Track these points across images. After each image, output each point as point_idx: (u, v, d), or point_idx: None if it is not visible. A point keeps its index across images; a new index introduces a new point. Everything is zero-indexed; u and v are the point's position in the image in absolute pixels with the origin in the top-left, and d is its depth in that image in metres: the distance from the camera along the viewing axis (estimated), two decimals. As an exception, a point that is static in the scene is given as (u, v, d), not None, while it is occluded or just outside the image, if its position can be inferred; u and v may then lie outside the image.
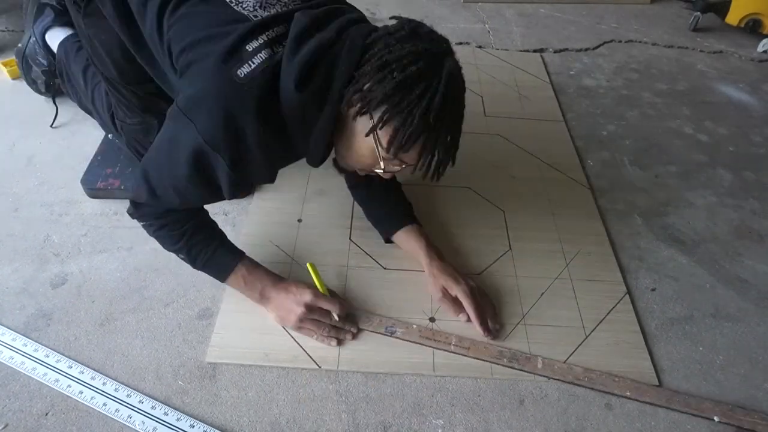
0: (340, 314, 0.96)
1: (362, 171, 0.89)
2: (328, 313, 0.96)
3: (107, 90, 1.12)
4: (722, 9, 1.98)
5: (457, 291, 0.99)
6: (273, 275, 0.98)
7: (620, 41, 1.95)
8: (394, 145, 0.75)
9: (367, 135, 0.76)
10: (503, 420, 0.88)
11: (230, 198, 0.84)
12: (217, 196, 0.85)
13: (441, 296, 1.01)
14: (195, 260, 0.93)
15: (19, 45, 1.37)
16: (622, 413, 0.91)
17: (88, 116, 1.32)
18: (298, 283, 0.97)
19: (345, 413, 0.87)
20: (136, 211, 0.89)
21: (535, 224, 1.21)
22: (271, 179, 0.88)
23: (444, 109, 0.73)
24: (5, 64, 1.47)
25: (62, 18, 1.27)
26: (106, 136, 1.29)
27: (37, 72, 1.33)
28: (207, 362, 0.92)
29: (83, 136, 1.33)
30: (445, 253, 1.10)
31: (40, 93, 1.37)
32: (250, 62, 0.74)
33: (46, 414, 0.84)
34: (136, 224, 1.12)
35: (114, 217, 1.15)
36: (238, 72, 0.74)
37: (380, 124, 0.74)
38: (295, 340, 0.95)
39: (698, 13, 2.00)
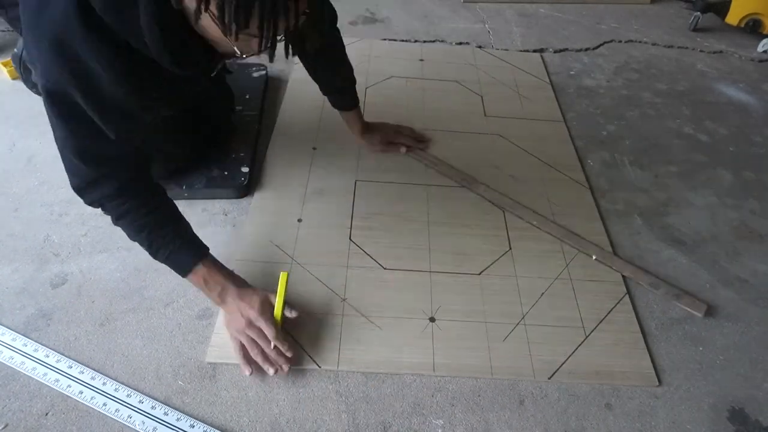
0: (273, 340, 0.89)
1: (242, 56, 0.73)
2: (263, 338, 0.90)
3: None
4: (722, 9, 1.97)
5: (391, 138, 1.32)
6: (236, 278, 0.95)
7: (620, 41, 1.95)
8: (228, 25, 0.61)
9: (195, 22, 0.65)
10: (503, 420, 0.88)
11: (120, 134, 0.76)
12: (110, 139, 0.77)
13: (380, 149, 1.32)
14: (156, 253, 0.90)
15: (15, 50, 1.36)
16: (622, 413, 0.91)
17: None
18: (255, 293, 0.93)
19: (345, 413, 0.87)
20: (82, 197, 0.86)
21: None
22: (142, 103, 0.77)
23: None
24: (5, 64, 1.47)
25: None
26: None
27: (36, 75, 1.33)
28: (207, 362, 0.92)
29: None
30: (445, 252, 1.12)
31: (39, 94, 1.37)
32: None
33: (46, 414, 0.84)
34: (136, 224, 1.13)
35: (114, 217, 1.15)
36: None
37: (202, 5, 0.61)
38: (295, 340, 0.95)
39: (698, 13, 1.99)
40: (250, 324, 0.90)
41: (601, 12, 2.14)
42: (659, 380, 0.95)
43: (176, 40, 0.69)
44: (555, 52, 1.85)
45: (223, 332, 0.96)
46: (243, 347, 0.90)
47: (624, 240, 1.20)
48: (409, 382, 0.92)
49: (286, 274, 0.94)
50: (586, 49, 1.89)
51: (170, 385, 0.89)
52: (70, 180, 0.85)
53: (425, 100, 1.55)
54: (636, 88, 1.70)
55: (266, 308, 0.92)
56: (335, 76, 1.20)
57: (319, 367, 0.93)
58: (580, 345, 0.99)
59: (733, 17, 1.95)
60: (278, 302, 0.92)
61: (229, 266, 1.06)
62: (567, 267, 1.12)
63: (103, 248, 1.09)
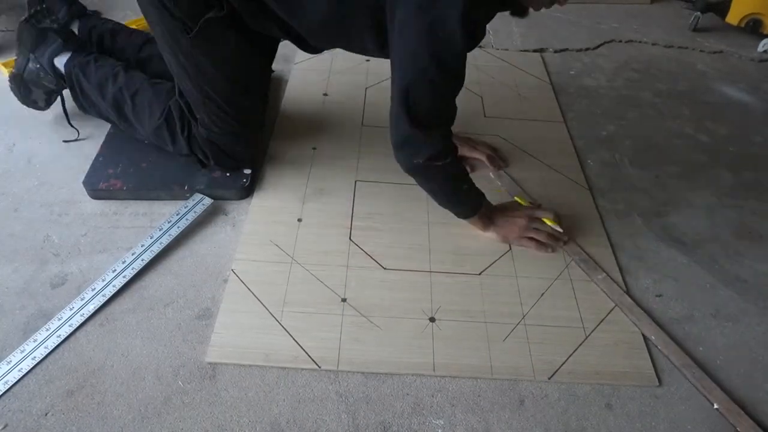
0: (556, 219, 1.14)
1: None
2: (542, 223, 1.14)
3: (200, 104, 1.13)
4: (722, 9, 1.97)
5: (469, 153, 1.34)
6: (488, 202, 1.15)
7: (620, 41, 1.95)
8: None
9: None
10: (503, 420, 0.88)
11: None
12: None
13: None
14: (459, 193, 1.09)
15: (14, 71, 1.29)
16: (622, 413, 0.91)
17: (88, 117, 1.31)
18: (506, 203, 1.17)
19: (345, 413, 0.87)
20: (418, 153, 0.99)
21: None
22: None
23: None
24: (5, 65, 1.47)
25: (71, 43, 1.27)
26: (107, 136, 1.29)
27: (38, 93, 1.30)
28: (207, 362, 0.92)
29: (83, 136, 1.33)
30: (445, 252, 1.12)
31: (40, 109, 1.33)
32: None
33: (46, 414, 0.84)
34: (136, 224, 1.13)
35: (114, 217, 1.15)
36: None
37: None
38: (295, 340, 0.95)
39: (698, 13, 1.99)
40: (532, 219, 1.14)
41: (601, 12, 2.14)
42: (659, 380, 0.95)
43: None
44: (555, 52, 1.85)
45: (223, 332, 0.96)
46: (533, 241, 1.13)
47: (624, 240, 1.20)
48: (409, 382, 0.92)
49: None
50: (586, 49, 1.89)
51: (170, 385, 0.89)
52: (397, 140, 1.00)
53: (425, 100, 1.54)
54: (636, 88, 1.70)
55: (525, 205, 1.18)
56: None
57: (319, 367, 0.93)
58: (580, 345, 0.99)
59: (733, 17, 1.95)
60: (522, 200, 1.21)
61: (229, 266, 1.06)
62: (567, 267, 1.12)
63: (103, 248, 1.09)
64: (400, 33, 0.91)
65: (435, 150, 0.99)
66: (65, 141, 1.31)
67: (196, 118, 1.16)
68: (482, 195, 1.13)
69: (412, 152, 1.00)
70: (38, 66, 1.26)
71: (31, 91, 1.30)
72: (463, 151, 1.32)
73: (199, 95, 1.11)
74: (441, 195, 1.11)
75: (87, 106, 1.28)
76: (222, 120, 1.14)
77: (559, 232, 1.14)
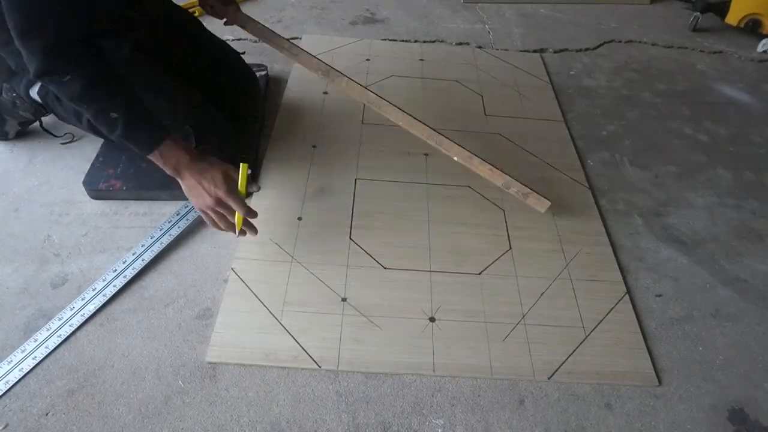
0: (246, 216, 0.99)
1: None
2: (232, 210, 0.98)
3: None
4: (722, 9, 1.98)
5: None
6: (192, 151, 0.98)
7: (620, 41, 1.95)
8: None
9: None
10: (503, 420, 0.89)
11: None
12: None
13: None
14: (125, 126, 0.92)
15: None
16: (622, 413, 0.91)
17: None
18: (214, 168, 0.97)
19: (345, 413, 0.87)
20: (46, 66, 0.86)
21: (535, 224, 1.21)
22: None
23: None
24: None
25: None
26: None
27: (12, 123, 1.27)
28: (207, 362, 0.92)
29: (83, 136, 1.32)
30: (445, 252, 1.12)
31: (7, 139, 1.30)
32: None
33: (47, 414, 0.84)
34: (136, 224, 1.13)
35: (114, 217, 1.15)
36: None
37: None
38: (295, 340, 0.96)
39: (698, 13, 2.00)
40: (219, 202, 0.97)
41: (601, 12, 2.14)
42: (659, 380, 0.95)
43: None
44: (555, 52, 1.85)
45: (223, 332, 0.96)
46: (212, 222, 1.00)
47: (624, 240, 1.20)
48: (409, 382, 0.92)
49: (246, 165, 1.00)
50: (586, 49, 1.89)
51: (170, 385, 0.89)
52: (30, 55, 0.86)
53: (425, 99, 1.55)
54: (636, 88, 1.70)
55: (232, 185, 0.98)
56: None
57: (319, 367, 0.93)
58: (580, 345, 0.99)
59: (732, 17, 1.95)
60: (242, 186, 0.99)
61: (229, 265, 1.06)
62: (567, 267, 1.12)
63: (103, 248, 1.09)
64: None
65: (39, 66, 0.86)
66: (63, 143, 1.31)
67: None
68: (159, 131, 0.96)
69: (26, 63, 0.89)
70: (14, 95, 1.22)
71: (5, 121, 1.27)
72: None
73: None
74: (84, 119, 1.02)
75: (70, 124, 1.24)
76: (203, 137, 1.13)
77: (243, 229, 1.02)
